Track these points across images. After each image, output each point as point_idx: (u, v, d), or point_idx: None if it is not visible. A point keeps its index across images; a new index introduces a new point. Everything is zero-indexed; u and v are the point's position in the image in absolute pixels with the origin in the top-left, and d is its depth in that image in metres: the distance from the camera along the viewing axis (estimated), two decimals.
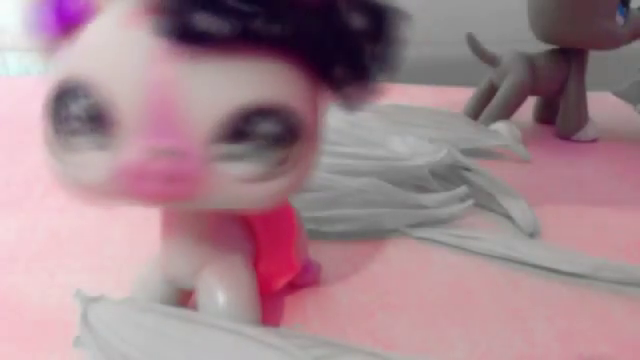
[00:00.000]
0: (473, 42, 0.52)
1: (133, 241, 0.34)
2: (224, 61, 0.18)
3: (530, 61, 0.51)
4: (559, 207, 0.41)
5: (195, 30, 0.18)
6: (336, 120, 0.53)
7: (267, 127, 0.19)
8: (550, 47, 0.54)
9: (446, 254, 0.35)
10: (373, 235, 0.36)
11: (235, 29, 0.18)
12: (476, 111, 0.54)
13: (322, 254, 0.32)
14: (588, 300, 0.31)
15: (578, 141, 0.53)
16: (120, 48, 0.19)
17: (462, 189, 0.40)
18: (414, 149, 0.47)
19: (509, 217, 0.39)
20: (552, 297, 0.31)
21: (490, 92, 0.54)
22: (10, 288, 0.30)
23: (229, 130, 0.19)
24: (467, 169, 0.44)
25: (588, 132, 0.53)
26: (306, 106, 0.20)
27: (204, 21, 0.18)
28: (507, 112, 0.51)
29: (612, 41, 0.51)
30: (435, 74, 0.70)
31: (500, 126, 0.51)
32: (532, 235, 0.37)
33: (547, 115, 0.55)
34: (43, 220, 0.36)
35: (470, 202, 0.39)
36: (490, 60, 0.52)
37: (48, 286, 0.30)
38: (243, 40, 0.18)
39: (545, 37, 0.52)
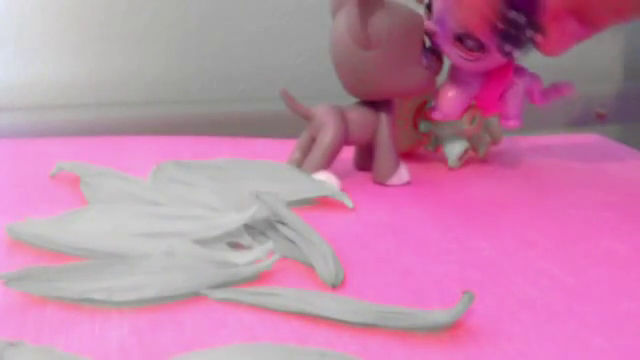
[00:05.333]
0: (288, 98, 0.53)
1: None
2: None
3: (342, 113, 0.54)
4: (369, 253, 0.43)
5: None
6: (158, 179, 0.52)
7: None
8: None
9: (242, 314, 0.34)
10: (170, 300, 0.35)
11: None
12: (301, 163, 0.55)
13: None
14: (371, 350, 0.32)
15: (394, 185, 0.56)
16: None
17: (268, 245, 0.40)
18: (232, 204, 0.47)
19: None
20: (340, 349, 0.32)
21: (312, 143, 0.55)
22: None
23: None
24: (282, 222, 0.44)
25: (402, 176, 0.55)
26: None
27: None
28: (325, 163, 0.53)
29: (423, 86, 0.54)
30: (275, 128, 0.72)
31: (321, 176, 0.52)
32: (334, 285, 0.38)
33: (366, 162, 0.58)
34: None
35: (275, 258, 0.39)
36: (305, 115, 0.54)
37: None
38: None
39: (353, 94, 0.55)
